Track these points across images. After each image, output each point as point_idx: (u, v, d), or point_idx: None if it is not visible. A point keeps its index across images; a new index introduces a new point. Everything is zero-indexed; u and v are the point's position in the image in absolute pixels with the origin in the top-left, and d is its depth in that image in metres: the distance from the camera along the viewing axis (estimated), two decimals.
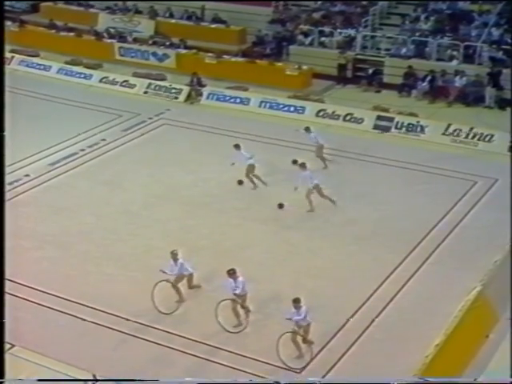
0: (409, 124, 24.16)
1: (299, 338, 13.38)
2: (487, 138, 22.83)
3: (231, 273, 14.11)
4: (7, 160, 20.81)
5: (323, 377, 12.82)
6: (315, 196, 18.40)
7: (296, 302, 13.23)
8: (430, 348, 12.47)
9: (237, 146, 19.72)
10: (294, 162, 19.25)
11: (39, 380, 11.83)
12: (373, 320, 14.30)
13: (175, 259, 14.86)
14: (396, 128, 24.24)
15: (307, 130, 21.30)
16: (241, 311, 14.27)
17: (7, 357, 12.78)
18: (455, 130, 23.38)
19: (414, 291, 15.36)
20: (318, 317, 14.01)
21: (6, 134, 23.34)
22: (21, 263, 16.11)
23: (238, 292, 14.05)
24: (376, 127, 24.48)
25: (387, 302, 14.91)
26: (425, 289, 15.39)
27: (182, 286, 15.01)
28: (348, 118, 24.98)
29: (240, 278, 14.09)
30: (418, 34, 28.44)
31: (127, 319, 14.32)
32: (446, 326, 13.01)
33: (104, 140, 23.08)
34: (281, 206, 18.63)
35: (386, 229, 17.87)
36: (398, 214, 18.54)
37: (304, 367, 13.13)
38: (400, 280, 15.70)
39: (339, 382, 12.58)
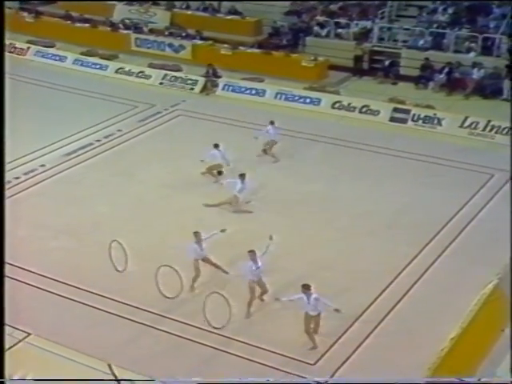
0: (425, 116, 24.02)
1: (312, 329, 13.37)
2: (505, 131, 22.62)
3: (252, 253, 14.13)
4: (23, 151, 21.19)
5: (337, 370, 12.80)
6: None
7: (305, 288, 13.13)
8: (445, 341, 12.39)
9: (216, 146, 19.60)
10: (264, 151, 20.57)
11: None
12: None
13: (199, 240, 14.96)
14: (412, 120, 24.11)
15: (272, 123, 21.13)
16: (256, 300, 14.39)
17: (23, 345, 13.04)
18: (472, 123, 23.22)
19: (429, 284, 15.30)
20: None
21: (21, 124, 23.67)
22: (35, 253, 16.26)
23: (255, 277, 14.15)
24: (392, 119, 24.36)
25: (402, 295, 14.86)
26: (440, 282, 15.32)
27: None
28: (364, 109, 24.86)
29: (260, 263, 14.12)
30: (435, 25, 28.22)
31: (142, 309, 14.35)
32: (462, 320, 12.92)
33: (120, 131, 23.12)
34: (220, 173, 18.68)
35: (401, 221, 17.81)
36: (413, 207, 18.46)
37: (318, 360, 13.11)
38: (415, 273, 15.64)
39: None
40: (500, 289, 13.81)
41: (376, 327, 13.93)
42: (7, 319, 13.52)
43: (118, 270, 15.25)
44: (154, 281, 14.77)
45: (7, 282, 14.80)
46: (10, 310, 13.89)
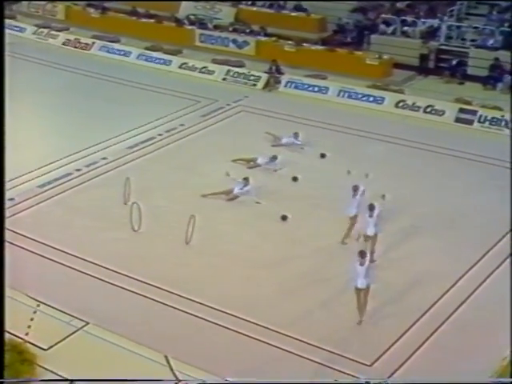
0: (492, 118, 23.53)
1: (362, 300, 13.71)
2: None
3: (371, 208, 15.43)
4: (85, 143, 21.63)
5: (393, 372, 12.62)
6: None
7: (361, 255, 13.70)
8: (507, 349, 12.09)
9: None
10: (323, 155, 20.21)
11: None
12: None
13: (355, 191, 16.21)
14: (479, 122, 23.65)
15: (295, 134, 21.71)
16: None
17: (80, 333, 13.26)
18: None
19: (492, 289, 14.95)
20: (392, 310, 13.97)
21: (84, 118, 24.13)
22: (95, 244, 16.52)
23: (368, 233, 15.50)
24: (458, 120, 23.94)
25: (464, 299, 14.58)
26: (504, 288, 14.90)
27: None
28: (429, 109, 24.50)
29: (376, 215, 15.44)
30: (506, 24, 27.57)
31: (198, 302, 14.39)
32: None
33: (182, 125, 23.30)
34: (284, 218, 17.67)
35: (464, 223, 17.50)
36: (476, 209, 18.12)
37: (374, 361, 12.95)
38: (478, 277, 15.32)
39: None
40: None
41: (435, 331, 13.65)
42: (66, 307, 13.93)
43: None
44: (212, 275, 14.83)
45: (68, 272, 15.31)
46: (67, 298, 14.30)
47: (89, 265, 15.62)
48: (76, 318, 13.70)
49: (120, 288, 14.89)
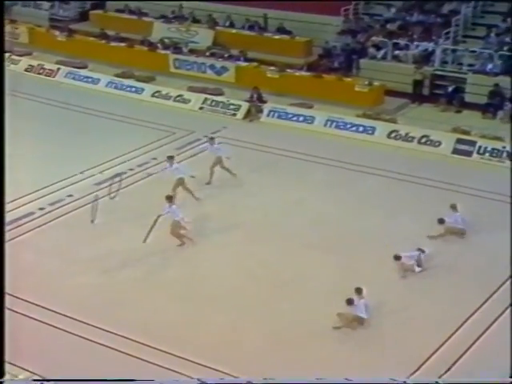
0: (493, 149, 23.71)
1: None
2: None
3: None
4: (49, 179, 21.45)
5: None
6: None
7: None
8: None
9: (170, 158, 20.67)
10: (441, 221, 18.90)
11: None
12: None
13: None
14: (478, 153, 23.82)
15: (211, 140, 22.11)
16: None
17: None
18: None
19: (496, 337, 14.92)
20: (392, 358, 14.14)
21: (48, 151, 23.90)
22: (60, 290, 16.39)
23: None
24: (455, 151, 24.11)
25: (466, 348, 14.56)
26: (508, 335, 14.97)
27: None
28: (424, 140, 24.66)
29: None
30: (506, 48, 27.94)
31: (183, 358, 14.25)
32: None
33: (155, 159, 23.27)
34: (441, 221, 18.72)
35: (465, 264, 17.59)
36: (478, 249, 18.22)
37: None
38: (481, 323, 15.36)
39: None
40: None
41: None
42: (23, 363, 13.69)
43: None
44: (190, 322, 14.77)
45: (27, 323, 15.14)
46: (25, 354, 14.03)
47: (52, 314, 15.50)
48: (35, 374, 13.51)
49: (87, 340, 14.77)
